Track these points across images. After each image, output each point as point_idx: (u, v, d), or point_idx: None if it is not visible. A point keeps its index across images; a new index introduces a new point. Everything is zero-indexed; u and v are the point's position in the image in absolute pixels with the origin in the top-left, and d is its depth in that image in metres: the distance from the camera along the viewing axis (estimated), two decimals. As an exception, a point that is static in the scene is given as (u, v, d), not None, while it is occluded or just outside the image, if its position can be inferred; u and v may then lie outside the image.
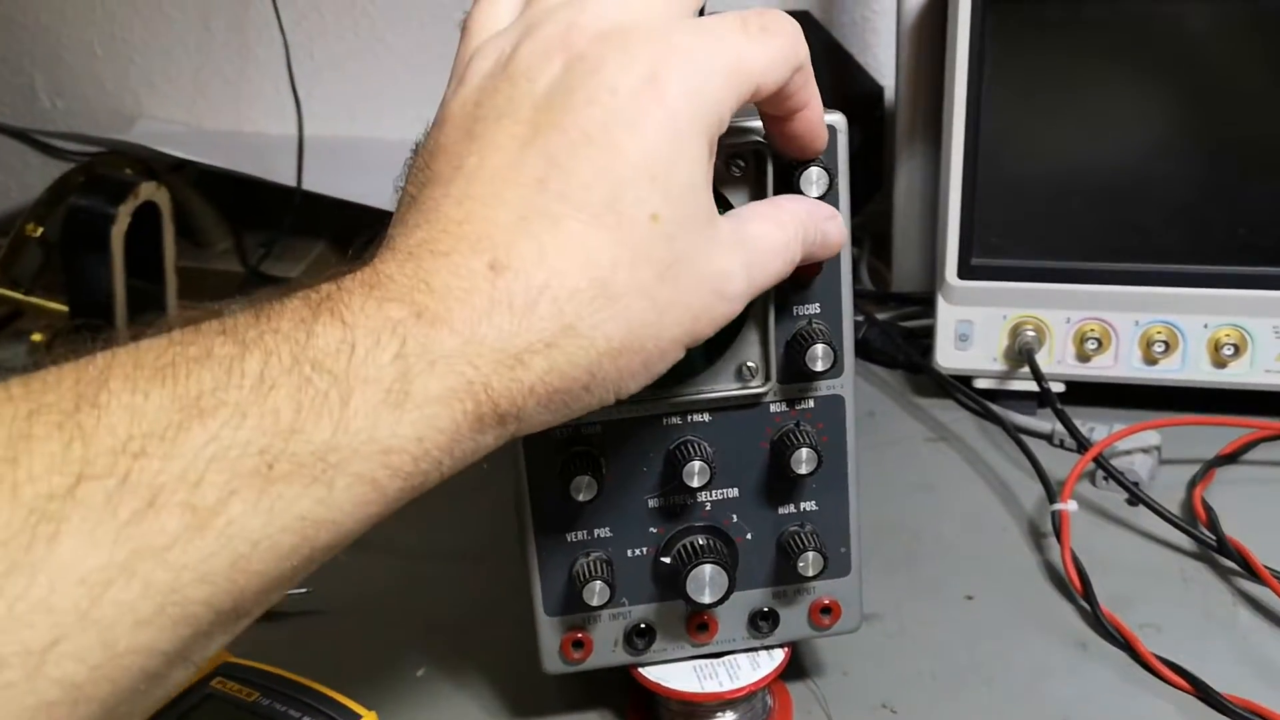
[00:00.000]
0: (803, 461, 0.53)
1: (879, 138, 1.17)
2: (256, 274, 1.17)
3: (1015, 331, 0.86)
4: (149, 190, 1.02)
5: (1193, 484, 0.77)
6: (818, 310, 0.53)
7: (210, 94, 1.40)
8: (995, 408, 0.87)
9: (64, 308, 1.03)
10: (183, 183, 1.19)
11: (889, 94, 1.17)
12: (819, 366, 0.52)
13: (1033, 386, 0.85)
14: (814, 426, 0.54)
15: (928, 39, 0.97)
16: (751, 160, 0.50)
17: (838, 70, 1.18)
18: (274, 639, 0.69)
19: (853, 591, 0.58)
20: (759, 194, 0.51)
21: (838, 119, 0.51)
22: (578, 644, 0.57)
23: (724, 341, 0.53)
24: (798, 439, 0.53)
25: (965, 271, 0.86)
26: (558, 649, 0.57)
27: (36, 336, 1.02)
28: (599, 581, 0.54)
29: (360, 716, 0.55)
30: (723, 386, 0.54)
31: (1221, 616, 0.66)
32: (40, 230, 1.04)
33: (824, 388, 0.54)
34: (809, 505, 0.56)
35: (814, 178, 0.49)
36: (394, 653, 0.67)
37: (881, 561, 0.70)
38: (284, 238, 1.20)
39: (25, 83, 1.45)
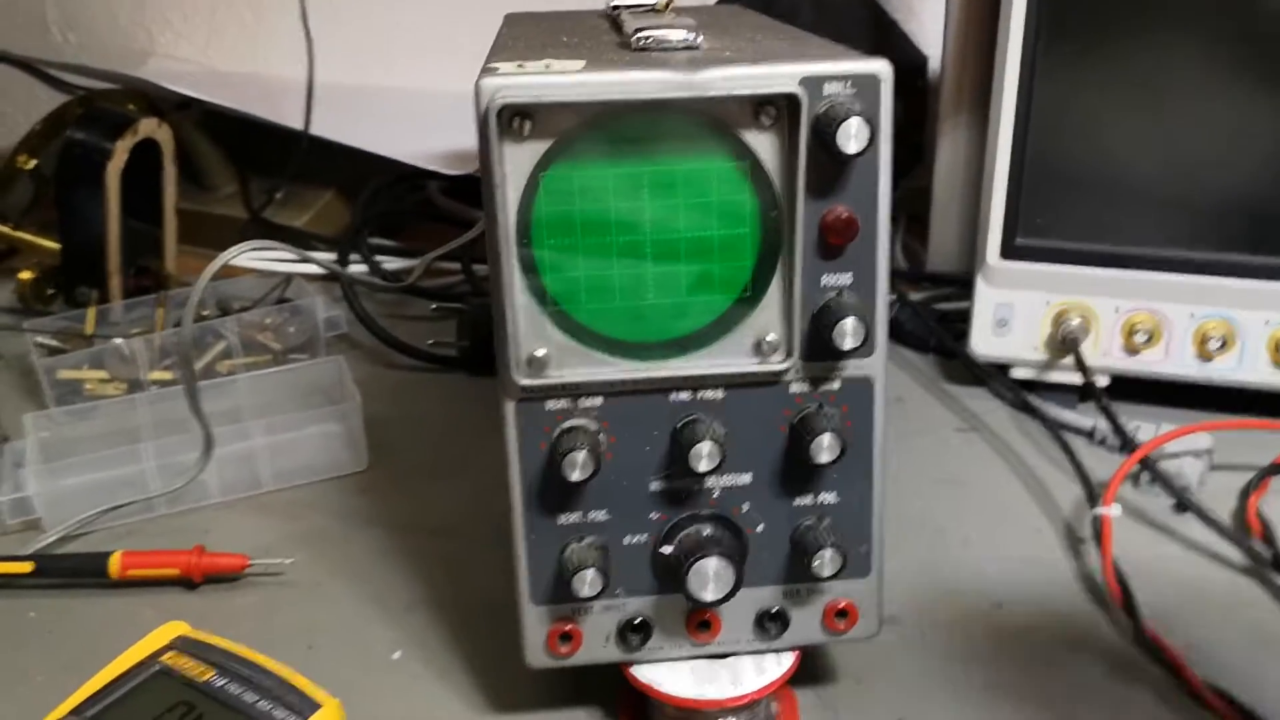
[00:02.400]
0: (824, 449, 0.48)
1: (921, 110, 1.12)
2: (260, 220, 1.12)
3: (1059, 319, 0.80)
4: (149, 127, 0.98)
5: (1246, 493, 0.72)
6: (850, 281, 0.48)
7: (226, 34, 1.35)
8: (1033, 399, 0.82)
9: (55, 245, 0.98)
10: (188, 122, 1.14)
11: (933, 64, 1.11)
12: (848, 344, 0.47)
13: (1074, 379, 0.80)
14: (838, 410, 0.49)
15: (979, 7, 0.91)
16: (784, 107, 0.45)
17: (880, 38, 1.13)
18: (243, 608, 0.65)
19: (872, 594, 0.53)
20: (789, 145, 0.45)
21: (881, 66, 0.45)
22: (565, 637, 0.52)
23: (741, 310, 0.48)
24: (820, 423, 0.48)
25: (1008, 252, 0.81)
26: (543, 641, 0.52)
27: (25, 274, 0.98)
28: (591, 569, 0.49)
29: (319, 705, 0.50)
30: (739, 361, 0.48)
31: (1277, 640, 0.61)
32: (34, 163, 1.00)
33: (852, 368, 0.49)
34: (828, 497, 0.51)
35: (853, 130, 0.44)
36: (370, 631, 0.62)
37: (903, 561, 0.66)
38: (291, 184, 1.15)
39: (38, 15, 1.40)
